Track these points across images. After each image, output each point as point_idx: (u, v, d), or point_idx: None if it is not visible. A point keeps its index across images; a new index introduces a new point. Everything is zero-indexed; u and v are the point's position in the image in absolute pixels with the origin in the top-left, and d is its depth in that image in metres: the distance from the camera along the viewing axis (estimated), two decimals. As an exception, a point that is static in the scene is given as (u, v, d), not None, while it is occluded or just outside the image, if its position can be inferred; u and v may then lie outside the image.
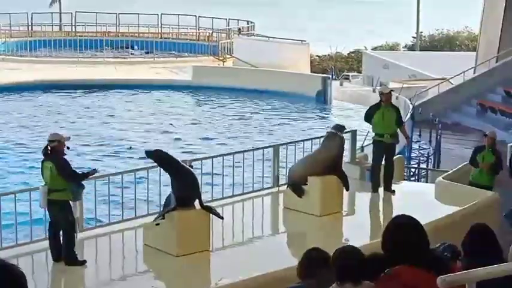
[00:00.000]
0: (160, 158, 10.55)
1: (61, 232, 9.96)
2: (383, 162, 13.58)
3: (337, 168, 12.32)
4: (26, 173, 19.01)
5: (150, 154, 10.58)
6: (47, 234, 10.68)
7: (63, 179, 9.85)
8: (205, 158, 13.59)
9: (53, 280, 10.07)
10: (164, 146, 21.65)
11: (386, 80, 30.84)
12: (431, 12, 61.81)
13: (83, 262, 9.92)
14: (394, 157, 14.32)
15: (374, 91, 27.44)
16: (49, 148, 9.97)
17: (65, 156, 10.04)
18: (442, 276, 3.99)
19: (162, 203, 11.56)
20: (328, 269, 5.82)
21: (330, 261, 5.86)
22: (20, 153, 21.01)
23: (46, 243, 10.44)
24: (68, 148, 10.17)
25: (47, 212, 10.82)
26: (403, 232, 4.34)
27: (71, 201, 10.09)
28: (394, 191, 13.40)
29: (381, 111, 13.34)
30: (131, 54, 37.63)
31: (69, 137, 10.35)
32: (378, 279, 4.41)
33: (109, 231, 11.47)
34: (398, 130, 13.64)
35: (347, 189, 12.40)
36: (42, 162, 10.10)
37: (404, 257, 4.25)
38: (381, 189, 13.49)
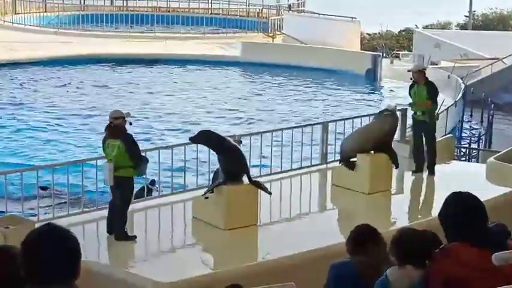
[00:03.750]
0: (209, 138, 10.57)
1: None
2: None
3: (387, 146, 12.27)
4: (76, 145, 19.32)
5: (195, 138, 10.62)
6: (97, 206, 10.89)
7: (131, 157, 9.87)
8: (254, 134, 13.63)
9: (103, 250, 10.22)
10: (212, 121, 21.81)
11: (437, 59, 30.48)
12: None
13: (133, 237, 9.98)
14: (444, 137, 14.16)
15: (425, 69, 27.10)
16: (112, 125, 9.95)
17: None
18: (496, 253, 3.96)
19: (211, 176, 11.68)
20: (377, 246, 5.82)
21: (380, 238, 5.86)
22: (70, 126, 21.32)
23: (97, 214, 10.64)
24: (131, 124, 10.19)
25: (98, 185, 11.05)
26: (461, 208, 4.30)
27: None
28: (433, 173, 13.17)
29: (415, 89, 13.25)
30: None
31: (129, 113, 10.38)
32: (431, 256, 4.38)
33: (158, 203, 11.60)
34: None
35: (396, 167, 12.34)
36: (105, 139, 10.05)
37: (462, 234, 4.22)
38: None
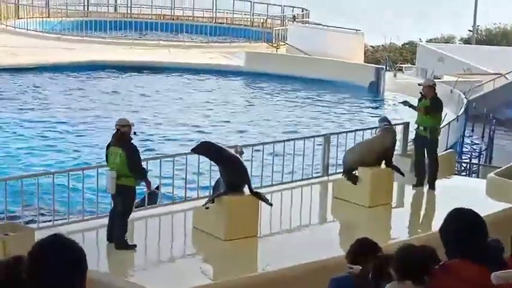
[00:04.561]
0: (209, 150, 10.57)
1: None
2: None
3: (388, 160, 12.30)
4: (78, 152, 19.32)
5: (196, 149, 10.62)
6: (98, 214, 10.88)
7: (129, 166, 9.87)
8: (256, 145, 13.65)
9: (103, 259, 10.21)
10: (215, 131, 21.83)
11: (440, 73, 30.51)
12: (489, 5, 60.89)
13: (133, 246, 9.99)
14: (444, 152, 14.14)
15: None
16: (119, 133, 9.95)
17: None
18: (496, 273, 3.95)
19: (212, 186, 11.68)
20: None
21: (380, 252, 5.86)
22: (72, 132, 21.31)
23: (97, 222, 10.64)
24: (135, 133, 10.20)
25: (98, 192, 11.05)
26: (463, 225, 4.30)
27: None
28: (434, 188, 13.19)
29: (421, 103, 13.25)
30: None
31: (133, 123, 10.39)
32: (431, 273, 4.38)
33: (159, 213, 11.59)
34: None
35: (403, 175, 12.38)
36: (109, 146, 10.07)
37: (462, 250, 4.21)
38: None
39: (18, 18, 38.08)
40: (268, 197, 11.07)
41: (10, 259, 3.80)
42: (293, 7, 40.72)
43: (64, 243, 3.21)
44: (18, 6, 38.51)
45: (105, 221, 10.28)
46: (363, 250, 5.97)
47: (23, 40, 33.93)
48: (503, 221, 10.89)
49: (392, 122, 13.11)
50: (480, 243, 4.28)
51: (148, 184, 10.24)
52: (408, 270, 4.80)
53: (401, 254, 4.95)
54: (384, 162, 12.32)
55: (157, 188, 12.60)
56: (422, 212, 12.94)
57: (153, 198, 12.15)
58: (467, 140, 23.22)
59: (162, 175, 12.04)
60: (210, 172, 12.15)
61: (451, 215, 4.40)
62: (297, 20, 38.53)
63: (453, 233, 4.31)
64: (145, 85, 28.52)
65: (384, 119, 12.82)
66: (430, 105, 13.06)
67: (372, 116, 25.22)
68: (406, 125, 14.59)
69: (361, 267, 5.76)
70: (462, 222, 4.33)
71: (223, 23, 40.47)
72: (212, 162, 11.16)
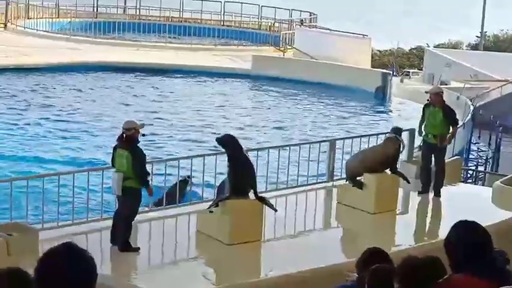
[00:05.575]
0: (228, 143, 10.46)
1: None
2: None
3: (393, 167, 12.27)
4: (84, 153, 19.34)
5: (220, 140, 10.53)
6: (102, 216, 10.88)
7: (134, 170, 9.84)
8: (262, 149, 13.63)
9: (106, 261, 10.20)
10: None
11: (447, 78, 30.44)
12: (497, 11, 60.81)
13: (137, 249, 9.96)
14: (451, 159, 14.08)
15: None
16: (124, 136, 9.93)
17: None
18: (502, 288, 3.93)
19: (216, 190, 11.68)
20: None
21: (390, 262, 5.82)
22: (78, 133, 21.33)
23: (101, 224, 10.64)
24: (144, 135, 10.19)
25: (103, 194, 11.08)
26: (472, 241, 4.25)
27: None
28: (439, 195, 13.16)
29: (430, 110, 13.20)
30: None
31: (143, 125, 10.39)
32: (436, 286, 4.33)
33: (163, 215, 11.59)
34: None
35: (408, 182, 12.35)
36: (115, 148, 10.03)
37: (469, 265, 4.17)
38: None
39: (28, 18, 38.23)
40: (272, 201, 11.04)
41: (9, 269, 3.75)
42: (301, 11, 40.74)
43: (76, 254, 3.16)
44: (28, 7, 38.65)
45: (110, 222, 10.27)
46: (373, 260, 5.91)
47: (32, 40, 34.07)
48: (508, 230, 10.86)
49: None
50: (485, 258, 4.25)
51: (149, 191, 10.13)
52: (413, 282, 4.75)
53: (406, 265, 4.90)
54: (388, 168, 12.30)
55: (189, 177, 12.62)
56: (427, 220, 12.89)
57: (184, 187, 12.19)
58: (473, 147, 23.17)
59: (166, 178, 12.04)
60: (215, 175, 12.15)
61: (459, 231, 4.33)
62: (304, 24, 38.54)
63: (461, 250, 4.26)
64: (152, 87, 28.56)
65: (394, 130, 12.70)
66: (447, 117, 13.03)
67: (378, 122, 25.22)
68: (412, 132, 14.55)
69: (357, 275, 5.72)
70: (471, 239, 4.28)
71: (231, 26, 40.54)
72: (216, 163, 11.12)
